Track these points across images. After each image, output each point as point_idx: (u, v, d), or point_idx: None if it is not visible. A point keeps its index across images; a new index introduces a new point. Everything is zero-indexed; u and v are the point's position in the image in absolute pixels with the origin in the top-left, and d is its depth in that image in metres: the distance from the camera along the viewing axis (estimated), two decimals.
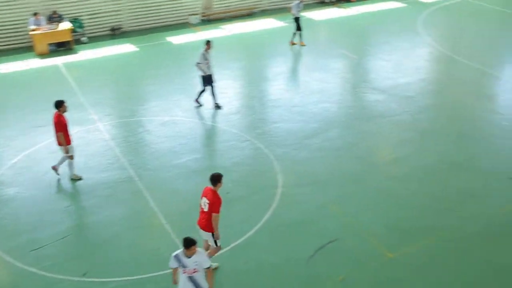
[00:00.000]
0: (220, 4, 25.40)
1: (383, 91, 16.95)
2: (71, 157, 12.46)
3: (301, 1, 20.96)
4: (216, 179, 8.99)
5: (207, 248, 9.54)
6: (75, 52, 20.94)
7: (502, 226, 10.93)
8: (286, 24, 23.95)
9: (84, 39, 22.27)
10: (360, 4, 26.91)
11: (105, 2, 22.85)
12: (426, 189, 12.11)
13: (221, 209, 8.95)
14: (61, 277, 9.59)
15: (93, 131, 14.82)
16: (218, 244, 9.43)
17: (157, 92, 17.15)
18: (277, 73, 18.79)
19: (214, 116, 15.53)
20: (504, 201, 11.65)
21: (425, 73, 18.57)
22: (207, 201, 8.92)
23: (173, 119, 15.51)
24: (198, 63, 15.48)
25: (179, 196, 11.94)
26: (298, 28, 20.85)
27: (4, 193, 12.11)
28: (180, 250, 7.79)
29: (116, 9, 23.18)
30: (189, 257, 7.65)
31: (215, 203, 8.85)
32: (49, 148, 13.80)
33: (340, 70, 19.03)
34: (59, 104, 12.10)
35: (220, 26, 23.84)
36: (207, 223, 9.03)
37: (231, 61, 19.90)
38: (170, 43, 21.91)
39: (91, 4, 22.63)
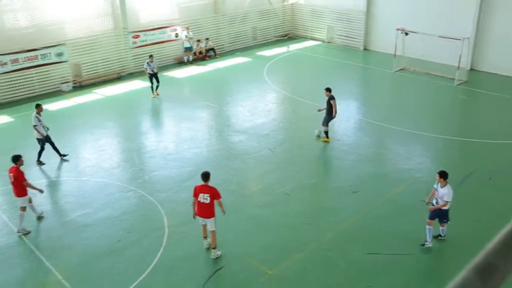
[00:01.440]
0: (89, 70, 24.69)
1: (244, 132, 17.49)
2: (23, 209, 11.71)
3: (151, 61, 21.50)
4: (207, 175, 10.25)
5: (209, 235, 10.64)
6: None
7: (352, 233, 11.69)
8: (150, 84, 23.93)
9: None
10: (214, 61, 27.74)
11: None
12: (290, 210, 12.62)
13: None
14: None
15: None
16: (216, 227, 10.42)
17: (35, 155, 16.01)
18: (150, 127, 18.63)
19: (97, 172, 14.87)
20: (351, 213, 12.47)
21: (275, 114, 19.52)
22: (207, 195, 10.04)
23: (57, 180, 14.61)
24: (35, 126, 15.09)
25: (72, 251, 11.18)
26: (157, 80, 21.60)
27: None
28: None
29: None
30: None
31: (215, 193, 10.13)
32: None
33: (206, 118, 19.34)
34: (17, 159, 11.65)
35: (92, 91, 23.12)
36: (209, 211, 10.21)
37: (106, 121, 19.34)
38: (46, 111, 20.60)
39: None
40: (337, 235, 11.56)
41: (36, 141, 15.37)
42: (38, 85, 23.04)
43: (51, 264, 10.67)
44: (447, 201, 10.34)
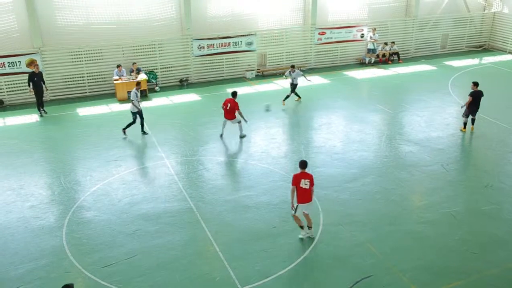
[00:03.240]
0: (272, 61, 25.89)
1: (416, 143, 16.67)
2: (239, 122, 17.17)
3: (292, 71, 20.56)
4: (307, 163, 11.13)
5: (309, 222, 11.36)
6: (150, 99, 21.67)
7: None
8: (330, 82, 24.19)
9: (157, 88, 23.08)
10: (397, 66, 26.86)
11: (176, 58, 23.69)
12: (454, 234, 11.69)
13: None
14: None
15: (160, 167, 15.14)
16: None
17: (215, 136, 17.43)
18: (321, 123, 18.82)
19: (264, 159, 15.60)
20: None
21: (454, 129, 18.16)
22: (308, 180, 10.86)
23: (229, 160, 15.70)
24: (132, 100, 17.14)
25: (231, 228, 11.95)
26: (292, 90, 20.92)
27: (84, 216, 12.45)
28: None
29: (185, 64, 23.96)
30: None
31: (312, 179, 10.98)
32: (122, 180, 14.20)
33: (378, 123, 18.88)
34: (235, 94, 17.22)
35: (273, 81, 24.22)
36: (310, 195, 11.01)
37: (279, 112, 20.09)
38: (228, 94, 22.31)
39: (165, 59, 23.50)
40: (504, 272, 10.39)
41: (131, 114, 17.42)
42: (226, 70, 24.95)
43: (212, 236, 11.55)
44: None
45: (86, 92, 22.54)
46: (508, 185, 14.06)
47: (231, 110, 16.82)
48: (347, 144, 16.81)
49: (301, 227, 11.40)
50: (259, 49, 25.24)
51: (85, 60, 22.12)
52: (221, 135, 17.35)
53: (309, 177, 10.94)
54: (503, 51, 29.71)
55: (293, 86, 20.67)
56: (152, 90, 22.75)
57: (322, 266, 10.56)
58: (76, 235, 11.64)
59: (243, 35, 24.64)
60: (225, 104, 16.96)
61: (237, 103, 16.86)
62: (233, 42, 24.54)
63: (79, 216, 12.45)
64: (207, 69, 24.58)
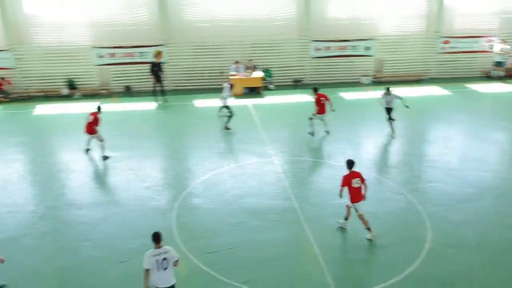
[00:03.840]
0: (390, 68, 25.10)
1: None
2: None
3: (387, 94, 17.74)
4: (353, 162, 11.25)
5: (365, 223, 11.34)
6: (263, 97, 22.11)
7: None
8: (451, 94, 22.91)
9: (271, 86, 23.49)
10: None
11: (292, 58, 23.91)
12: None
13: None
14: (226, 280, 9.96)
15: (268, 164, 15.39)
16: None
17: (328, 139, 17.29)
18: (437, 137, 17.89)
19: (373, 167, 15.20)
20: None
21: None
22: (358, 178, 11.06)
23: (337, 164, 15.49)
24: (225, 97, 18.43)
25: (333, 233, 11.78)
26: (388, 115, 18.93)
27: (192, 202, 13.05)
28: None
29: (301, 65, 24.10)
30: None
31: (361, 175, 11.18)
32: (231, 172, 14.64)
33: (501, 142, 17.52)
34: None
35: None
36: (361, 194, 11.15)
37: (395, 121, 19.39)
38: (341, 98, 22.12)
39: (281, 58, 23.82)
40: None
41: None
42: (342, 73, 24.67)
43: (313, 238, 11.48)
44: None
45: (204, 85, 23.58)
46: None
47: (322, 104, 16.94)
48: (464, 161, 15.80)
49: (368, 229, 11.33)
50: (377, 55, 24.62)
51: (206, 55, 23.14)
52: (312, 133, 17.35)
53: (359, 175, 11.17)
54: None
55: (388, 110, 17.67)
56: (266, 88, 23.19)
57: (426, 285, 10.02)
58: (184, 219, 12.22)
59: (361, 39, 24.21)
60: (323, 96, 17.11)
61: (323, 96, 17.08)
62: (351, 46, 24.19)
63: (188, 201, 13.07)
64: (322, 71, 24.50)
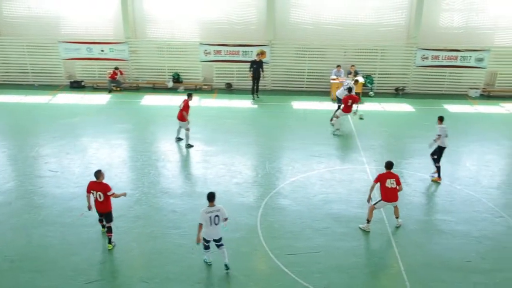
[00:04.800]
0: (503, 82, 23.38)
1: None
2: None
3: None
4: (392, 164, 11.67)
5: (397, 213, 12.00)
6: (362, 103, 21.64)
7: None
8: None
9: (371, 93, 22.96)
10: None
11: (396, 65, 23.17)
12: None
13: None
14: (304, 283, 9.96)
15: (359, 171, 15.09)
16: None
17: (421, 151, 16.55)
18: None
19: (472, 185, 14.29)
20: None
21: None
22: (394, 180, 11.49)
23: (431, 178, 14.77)
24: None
25: (420, 250, 11.28)
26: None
27: (279, 203, 13.17)
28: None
29: (404, 73, 23.29)
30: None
31: (398, 178, 11.58)
32: (320, 177, 14.55)
33: None
34: None
35: (499, 104, 21.94)
36: (396, 195, 11.61)
37: (503, 139, 18.12)
38: (446, 110, 21.03)
39: (384, 65, 23.20)
40: None
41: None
42: (448, 84, 23.45)
43: (398, 253, 11.07)
44: None
45: (303, 87, 23.65)
46: None
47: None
48: None
49: (368, 221, 11.83)
50: (489, 67, 23.07)
51: (308, 56, 23.18)
52: None
53: (395, 177, 11.50)
54: None
55: (441, 149, 14.41)
56: (366, 94, 22.70)
57: None
58: (269, 219, 12.37)
59: (474, 50, 22.80)
60: None
61: None
62: (461, 56, 22.89)
63: (275, 201, 13.21)
64: (426, 80, 23.48)
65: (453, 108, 21.36)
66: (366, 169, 15.21)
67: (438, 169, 14.46)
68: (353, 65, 22.67)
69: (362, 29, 22.98)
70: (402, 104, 21.73)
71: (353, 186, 14.15)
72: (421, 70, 23.17)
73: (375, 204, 11.77)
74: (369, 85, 22.95)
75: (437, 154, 14.39)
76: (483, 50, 22.74)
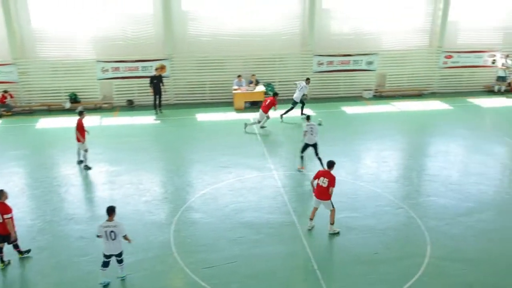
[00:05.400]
0: (392, 83, 25.14)
1: None
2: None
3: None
4: (332, 164, 12.03)
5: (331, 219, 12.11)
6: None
7: None
8: (453, 108, 22.88)
9: None
10: None
11: (295, 72, 23.99)
12: None
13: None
14: None
15: (268, 178, 15.36)
16: (334, 207, 12.02)
17: (328, 153, 17.23)
18: (438, 151, 17.83)
19: (374, 181, 15.13)
20: None
21: None
22: (326, 179, 11.69)
23: (338, 178, 15.33)
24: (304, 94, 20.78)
25: (332, 248, 11.74)
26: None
27: (191, 217, 13.02)
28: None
29: (302, 79, 24.15)
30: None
31: (332, 180, 11.72)
32: (230, 186, 14.62)
33: (502, 156, 17.43)
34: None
35: (390, 103, 23.53)
36: (326, 194, 11.78)
37: (395, 134, 19.45)
38: (343, 112, 22.14)
39: (283, 73, 23.93)
40: None
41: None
42: (343, 88, 24.70)
43: (311, 252, 11.41)
44: None
45: (206, 99, 23.69)
46: None
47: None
48: (464, 175, 15.72)
49: (310, 219, 12.26)
50: (379, 69, 24.68)
51: (208, 69, 23.29)
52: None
53: (328, 176, 11.74)
54: None
55: (307, 146, 15.71)
56: None
57: None
58: (182, 234, 12.19)
59: (364, 54, 24.28)
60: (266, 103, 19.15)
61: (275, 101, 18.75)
62: (353, 60, 24.28)
63: (187, 216, 13.04)
64: (324, 85, 24.56)
65: (350, 109, 22.54)
66: (274, 175, 15.53)
67: (320, 160, 15.44)
68: (253, 75, 23.14)
69: (260, 39, 23.56)
70: (305, 110, 22.42)
71: (263, 193, 14.37)
72: (318, 75, 24.20)
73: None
74: (270, 92, 23.49)
75: (304, 149, 15.62)
76: (372, 54, 24.29)
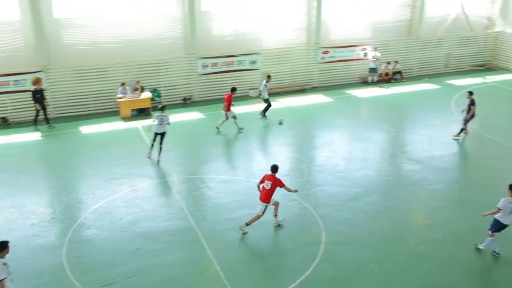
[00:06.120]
0: (276, 80, 25.96)
1: (419, 162, 16.56)
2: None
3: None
4: (276, 168, 12.32)
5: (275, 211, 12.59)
6: (152, 117, 21.63)
7: None
8: (333, 100, 24.20)
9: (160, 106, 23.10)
10: (399, 85, 26.88)
11: (180, 76, 23.81)
12: (457, 254, 11.55)
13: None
14: None
15: (162, 185, 15.11)
16: (293, 189, 12.69)
17: (219, 154, 17.41)
18: (323, 142, 18.79)
19: None
20: None
21: (457, 148, 18.11)
22: (270, 182, 11.98)
23: (231, 178, 15.62)
24: (261, 90, 21.14)
25: (232, 247, 11.84)
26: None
27: (84, 234, 12.38)
28: None
29: (189, 82, 24.08)
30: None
31: (277, 182, 12.05)
32: (124, 198, 14.15)
33: (380, 142, 18.84)
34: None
35: (275, 99, 24.27)
36: (268, 197, 12.06)
37: (284, 130, 20.11)
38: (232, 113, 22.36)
39: (169, 77, 23.63)
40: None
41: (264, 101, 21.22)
42: (229, 88, 24.95)
43: (213, 255, 11.43)
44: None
45: (90, 110, 22.62)
46: None
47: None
48: (349, 162, 16.74)
49: (247, 224, 12.27)
50: (262, 68, 25.35)
51: (89, 78, 22.25)
52: None
53: (272, 179, 12.04)
54: (506, 70, 29.72)
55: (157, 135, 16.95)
56: (155, 108, 22.74)
57: (324, 286, 10.41)
58: (76, 254, 11.54)
59: (247, 54, 24.78)
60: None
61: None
62: (237, 60, 24.67)
63: (79, 234, 12.37)
64: (210, 87, 24.66)
65: (237, 109, 22.80)
66: (168, 181, 15.30)
67: (160, 150, 16.76)
68: (138, 81, 22.56)
69: (143, 44, 23.01)
70: (192, 113, 22.42)
71: (159, 201, 14.11)
72: (204, 78, 24.25)
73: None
74: (157, 98, 23.13)
75: (154, 138, 16.90)
76: (254, 53, 24.89)
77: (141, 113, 22.03)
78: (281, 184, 12.11)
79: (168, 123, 16.94)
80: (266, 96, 21.61)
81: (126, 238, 12.14)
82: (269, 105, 21.64)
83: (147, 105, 21.92)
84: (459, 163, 16.77)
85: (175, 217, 13.15)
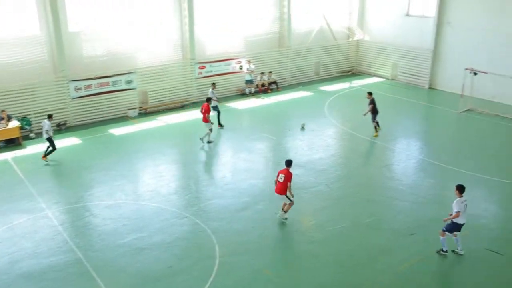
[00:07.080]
0: (155, 98, 25.64)
1: (301, 166, 17.36)
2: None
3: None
4: (290, 162, 13.44)
5: (284, 206, 13.54)
6: (24, 147, 20.18)
7: (410, 277, 11.22)
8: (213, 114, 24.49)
9: (32, 135, 21.59)
10: (275, 94, 28.00)
11: (51, 101, 22.47)
12: (343, 249, 12.30)
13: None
14: None
15: (41, 218, 14.08)
16: (292, 200, 13.41)
17: (101, 179, 16.68)
18: (208, 156, 18.93)
19: (154, 197, 15.22)
20: (408, 255, 12.00)
21: (334, 149, 19.33)
22: (283, 175, 13.07)
23: (116, 202, 15.06)
24: (210, 97, 21.15)
25: (125, 274, 11.43)
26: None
27: None
28: None
29: (62, 107, 22.81)
30: None
31: (289, 176, 13.10)
32: None
33: (263, 150, 19.44)
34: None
35: (156, 118, 23.94)
36: (283, 189, 13.15)
37: (167, 147, 19.91)
38: (112, 135, 21.64)
39: (38, 103, 22.18)
40: (393, 277, 11.13)
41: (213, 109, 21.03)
42: (107, 110, 24.14)
43: (104, 285, 10.91)
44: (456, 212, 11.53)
45: None
46: (385, 197, 15.19)
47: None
48: (236, 173, 17.04)
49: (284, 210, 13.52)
50: (139, 87, 24.87)
51: None
52: None
53: (285, 173, 13.12)
54: (368, 75, 32.40)
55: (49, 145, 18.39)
56: (26, 138, 21.21)
57: None
58: None
59: (122, 74, 24.14)
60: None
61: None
62: (112, 81, 23.92)
63: None
64: (86, 110, 23.58)
65: (118, 131, 22.12)
66: (49, 214, 14.32)
67: (50, 152, 18.19)
68: (3, 110, 20.84)
69: (6, 69, 21.34)
70: (68, 139, 21.20)
71: (39, 236, 13.12)
72: (78, 101, 23.12)
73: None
74: (27, 127, 21.56)
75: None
76: (130, 72, 24.33)
77: (11, 143, 20.37)
78: (289, 179, 13.10)
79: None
80: (215, 104, 21.94)
81: (6, 282, 11.14)
82: (219, 113, 22.14)
83: (17, 134, 20.34)
84: (337, 164, 17.87)
85: (59, 251, 12.33)
